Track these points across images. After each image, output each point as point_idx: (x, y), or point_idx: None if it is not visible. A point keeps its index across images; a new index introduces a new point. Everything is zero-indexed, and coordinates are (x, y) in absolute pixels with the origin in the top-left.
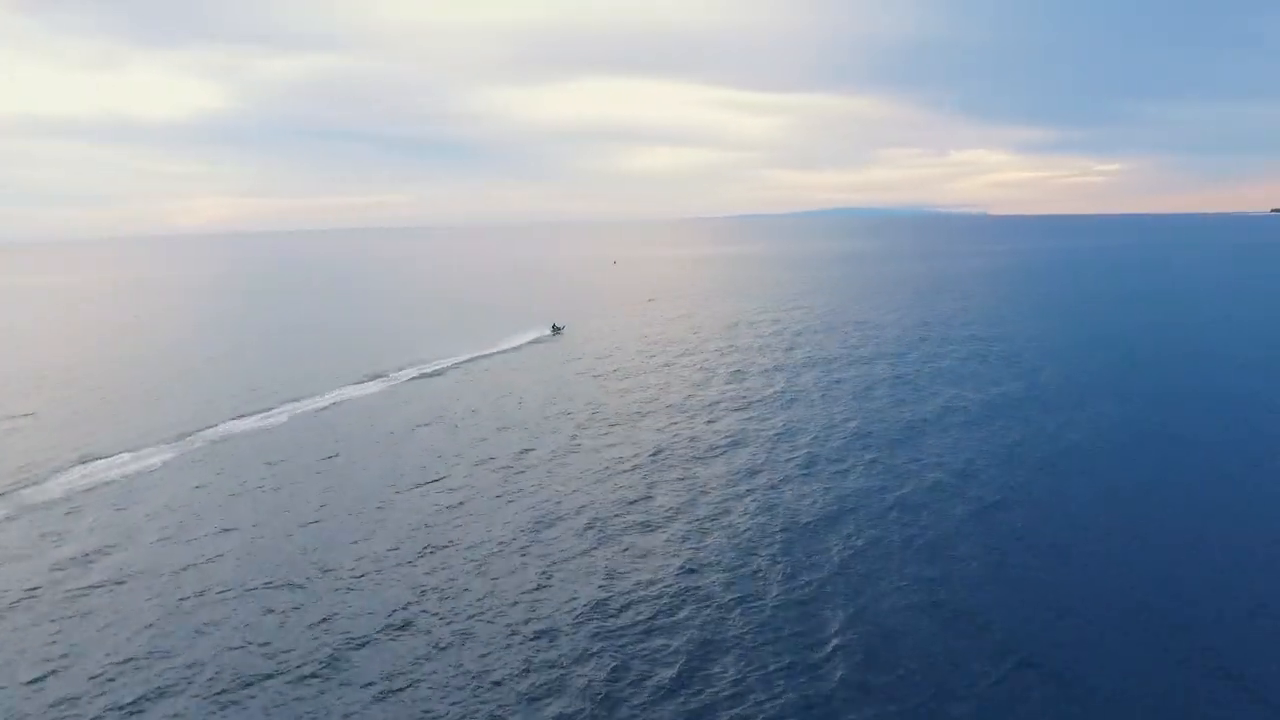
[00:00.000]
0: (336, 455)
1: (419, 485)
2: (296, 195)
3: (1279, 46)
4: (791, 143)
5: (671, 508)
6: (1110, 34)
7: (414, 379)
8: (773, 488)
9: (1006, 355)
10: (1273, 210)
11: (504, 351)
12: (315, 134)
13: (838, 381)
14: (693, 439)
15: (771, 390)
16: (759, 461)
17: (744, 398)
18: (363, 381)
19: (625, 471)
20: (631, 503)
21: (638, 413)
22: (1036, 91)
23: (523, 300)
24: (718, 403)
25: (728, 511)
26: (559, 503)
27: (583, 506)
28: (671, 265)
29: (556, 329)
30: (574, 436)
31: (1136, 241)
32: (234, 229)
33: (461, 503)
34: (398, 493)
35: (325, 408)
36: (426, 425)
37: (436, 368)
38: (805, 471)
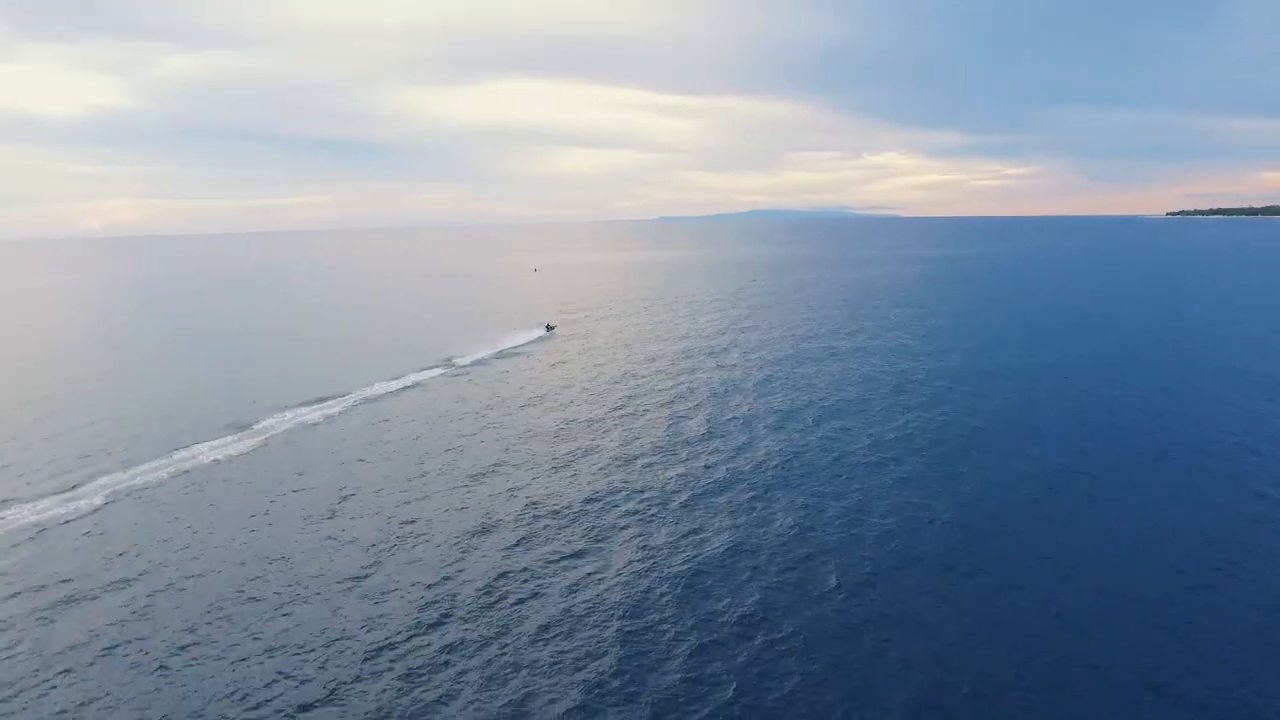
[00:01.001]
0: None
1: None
2: (205, 197)
3: (1172, 57)
4: (711, 145)
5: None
6: (1016, 43)
7: (289, 429)
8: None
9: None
10: (1168, 214)
11: (394, 393)
12: (224, 133)
13: (766, 406)
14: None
15: (695, 427)
16: (645, 508)
17: (659, 440)
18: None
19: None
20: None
21: (562, 445)
22: (947, 97)
23: (424, 323)
24: (637, 454)
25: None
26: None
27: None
28: (593, 273)
29: (550, 327)
30: (465, 487)
31: (1064, 244)
32: (141, 232)
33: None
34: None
35: (182, 472)
36: (297, 489)
37: (324, 411)
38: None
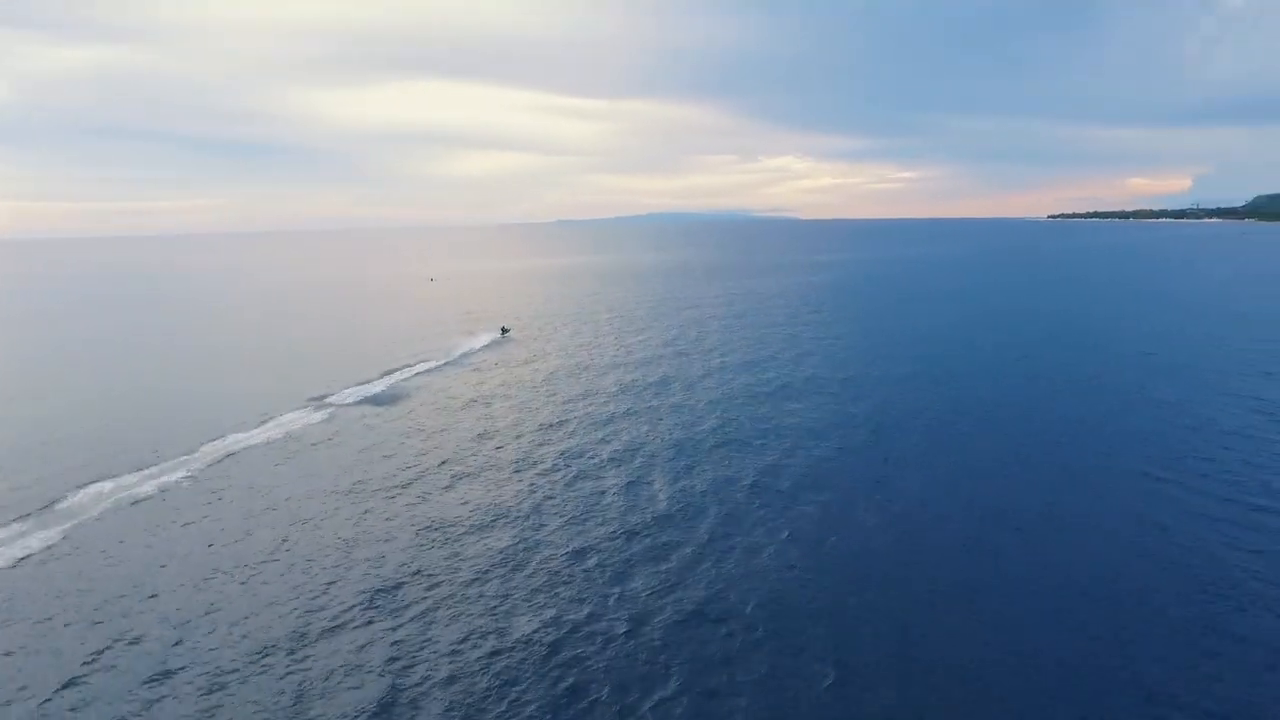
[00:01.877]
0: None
1: None
2: (85, 199)
3: (1051, 68)
4: (612, 148)
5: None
6: (906, 51)
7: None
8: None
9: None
10: (1049, 216)
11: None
12: (106, 132)
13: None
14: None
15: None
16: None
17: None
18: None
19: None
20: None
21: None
22: (840, 103)
23: (297, 353)
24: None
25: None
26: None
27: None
28: (491, 282)
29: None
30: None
31: (967, 249)
32: (11, 237)
33: None
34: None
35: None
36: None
37: (133, 494)
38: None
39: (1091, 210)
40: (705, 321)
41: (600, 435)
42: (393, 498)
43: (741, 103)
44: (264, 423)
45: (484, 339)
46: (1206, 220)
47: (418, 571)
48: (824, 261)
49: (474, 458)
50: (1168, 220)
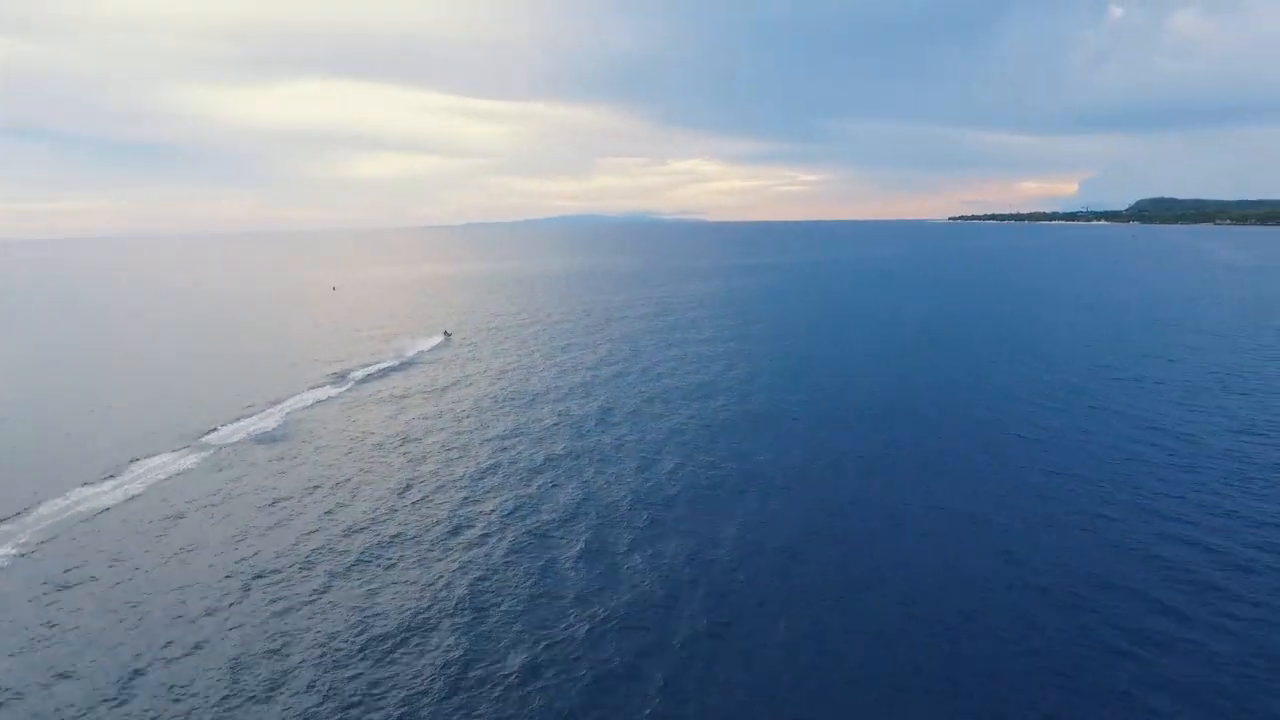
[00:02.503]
0: None
1: None
2: None
3: (948, 74)
4: (521, 150)
5: None
6: (809, 57)
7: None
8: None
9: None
10: (950, 218)
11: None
12: None
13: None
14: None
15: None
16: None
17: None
18: None
19: None
20: None
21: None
22: (747, 107)
23: (178, 386)
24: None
25: None
26: None
27: None
28: (396, 291)
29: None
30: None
31: (878, 251)
32: None
33: None
34: None
35: None
36: None
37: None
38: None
39: (989, 213)
40: (637, 337)
41: (533, 489)
42: (274, 577)
43: (650, 106)
44: (118, 473)
45: (388, 360)
46: (1096, 223)
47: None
48: (741, 266)
49: (367, 515)
50: (1060, 222)
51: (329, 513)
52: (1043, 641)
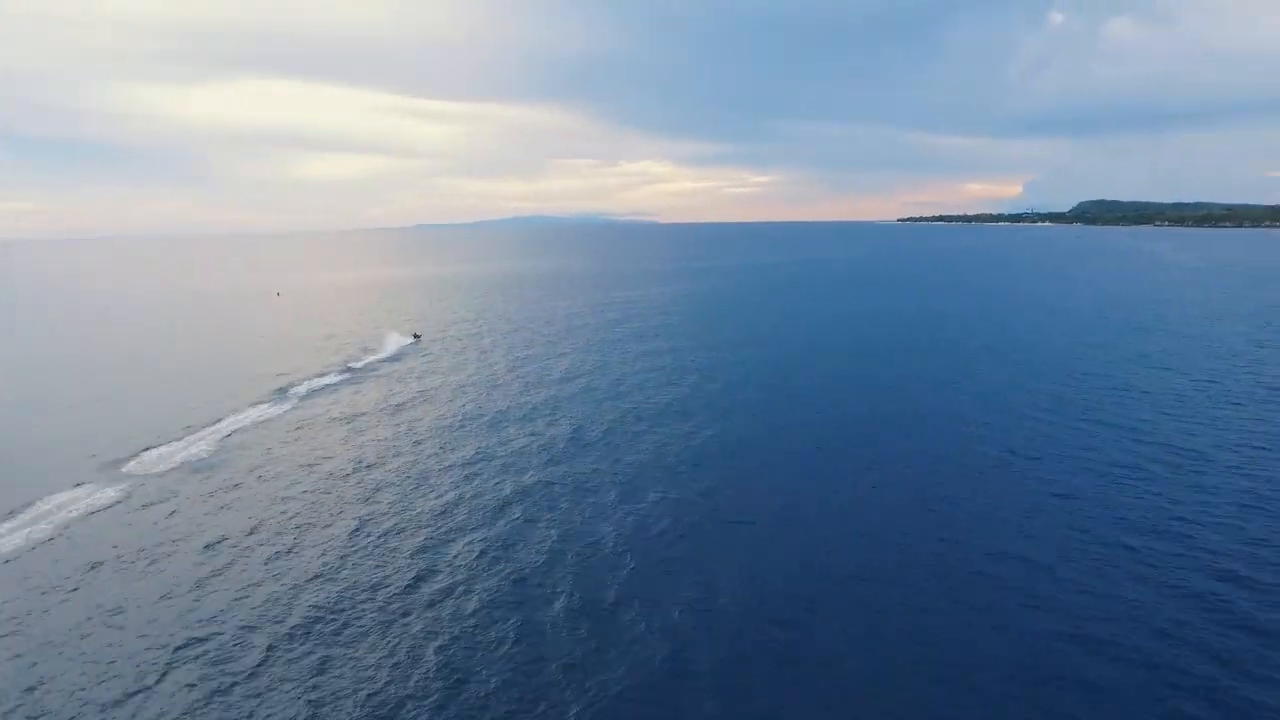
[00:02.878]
0: None
1: None
2: None
3: (896, 78)
4: (472, 151)
5: None
6: (758, 60)
7: None
8: None
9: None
10: (899, 219)
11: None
12: None
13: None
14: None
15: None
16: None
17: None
18: None
19: None
20: None
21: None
22: (698, 108)
23: (100, 404)
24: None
25: None
26: None
27: None
28: (346, 296)
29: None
30: None
31: (838, 254)
32: None
33: None
34: None
35: None
36: None
37: None
38: None
39: (938, 214)
40: (602, 347)
41: (503, 527)
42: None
43: (601, 106)
44: (21, 511)
45: (336, 374)
46: (1041, 224)
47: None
48: (697, 269)
49: (315, 563)
50: (1007, 224)
51: (270, 561)
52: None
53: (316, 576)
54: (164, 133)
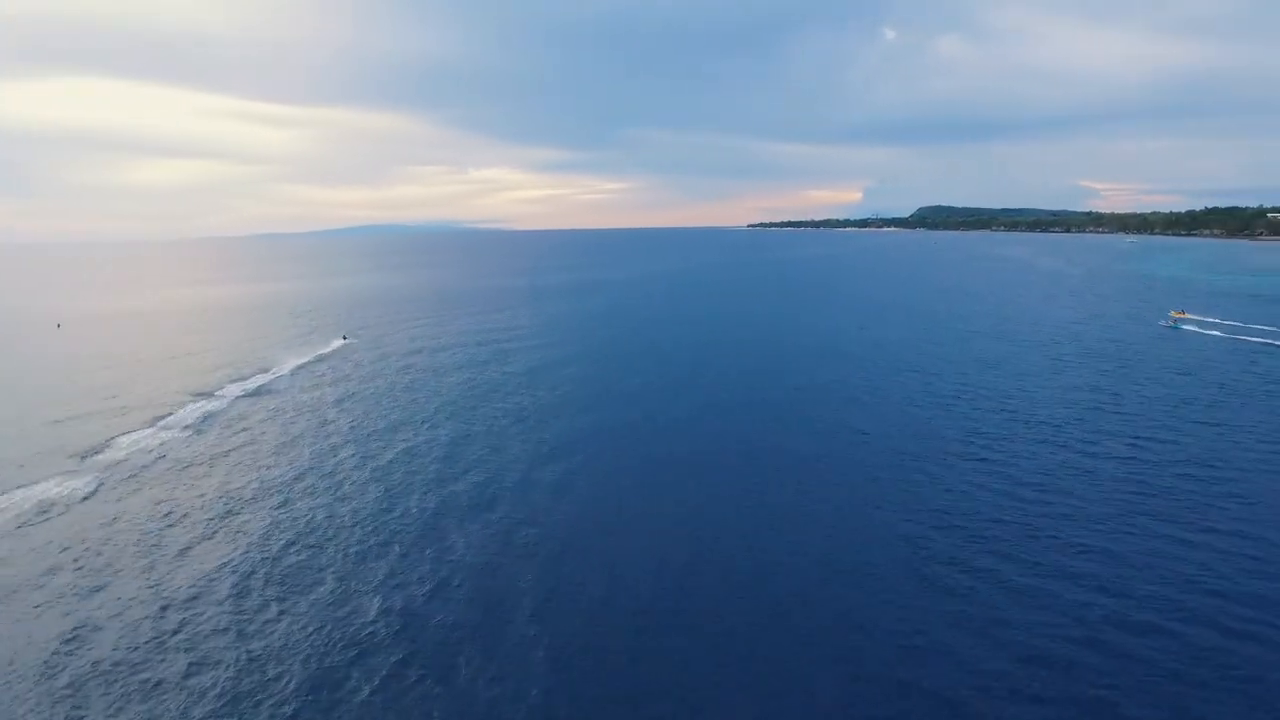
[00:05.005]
0: None
1: None
2: None
3: (740, 87)
4: (313, 157)
5: None
6: (606, 67)
7: None
8: None
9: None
10: (749, 225)
11: None
12: None
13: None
14: None
15: None
16: None
17: None
18: None
19: None
20: None
21: None
22: (547, 116)
23: None
24: None
25: None
26: None
27: None
28: (149, 330)
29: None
30: None
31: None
32: None
33: None
34: None
35: None
36: None
37: None
38: None
39: (786, 220)
40: (465, 407)
41: None
42: None
43: (449, 113)
44: None
45: (82, 480)
46: (886, 229)
47: None
48: (559, 285)
49: None
50: (853, 229)
51: None
52: None
53: None
54: None
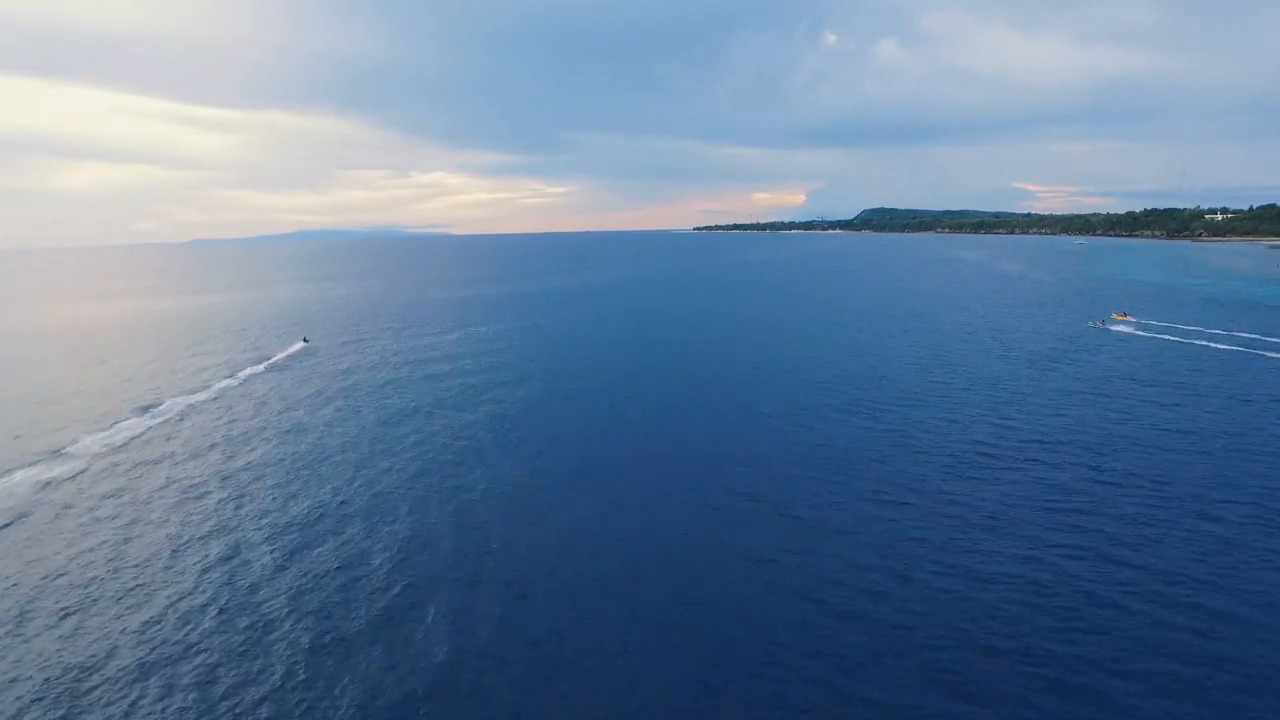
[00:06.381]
0: None
1: None
2: None
3: (683, 91)
4: (250, 162)
5: None
6: (550, 70)
7: None
8: None
9: None
10: (695, 228)
11: None
12: None
13: None
14: None
15: None
16: None
17: None
18: None
19: None
20: None
21: None
22: (489, 120)
23: None
24: None
25: None
26: None
27: None
28: (68, 347)
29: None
30: None
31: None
32: None
33: None
34: None
35: None
36: None
37: None
38: None
39: (732, 223)
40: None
41: None
42: None
43: (389, 116)
44: None
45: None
46: (832, 231)
47: None
48: (510, 295)
49: None
50: (799, 231)
51: None
52: None
53: None
54: None
